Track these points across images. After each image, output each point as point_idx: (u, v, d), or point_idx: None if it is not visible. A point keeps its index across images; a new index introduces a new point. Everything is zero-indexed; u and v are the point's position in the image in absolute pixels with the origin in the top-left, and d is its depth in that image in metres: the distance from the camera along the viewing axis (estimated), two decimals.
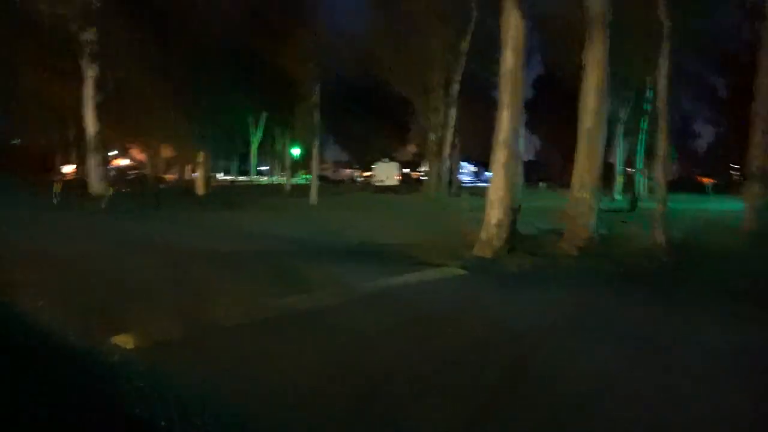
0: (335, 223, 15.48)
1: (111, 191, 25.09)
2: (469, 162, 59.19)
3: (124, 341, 4.40)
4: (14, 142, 55.78)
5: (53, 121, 37.50)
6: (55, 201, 22.80)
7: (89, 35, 17.31)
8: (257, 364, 4.02)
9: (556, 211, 13.78)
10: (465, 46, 18.94)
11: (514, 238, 9.78)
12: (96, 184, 18.30)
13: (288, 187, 33.55)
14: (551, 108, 39.87)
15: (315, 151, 22.64)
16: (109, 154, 51.36)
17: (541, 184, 31.07)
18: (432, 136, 19.26)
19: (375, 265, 8.57)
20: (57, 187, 24.04)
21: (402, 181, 46.11)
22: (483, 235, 9.56)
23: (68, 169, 46.09)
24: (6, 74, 22.41)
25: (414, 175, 53.39)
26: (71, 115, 23.63)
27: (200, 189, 22.86)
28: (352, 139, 56.77)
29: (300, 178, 53.42)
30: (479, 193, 29.26)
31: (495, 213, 9.48)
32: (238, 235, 12.52)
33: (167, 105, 23.27)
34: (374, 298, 6.15)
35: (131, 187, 33.50)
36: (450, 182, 29.66)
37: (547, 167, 59.39)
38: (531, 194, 10.24)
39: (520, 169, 10.09)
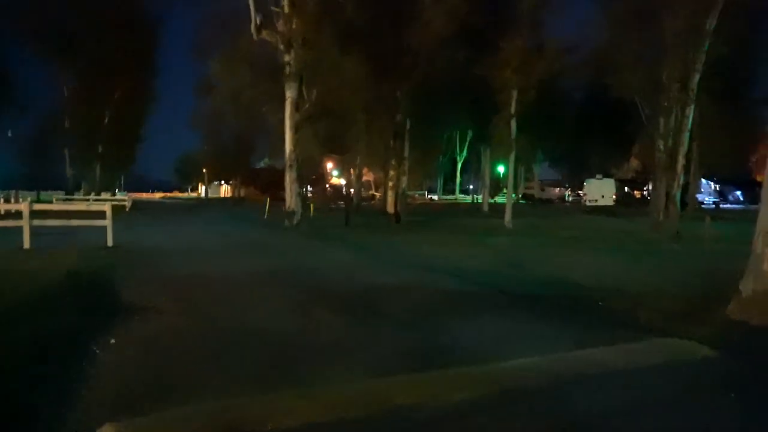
0: (527, 251, 12.79)
1: (311, 208, 26.37)
2: (711, 179, 48.72)
3: None
4: (260, 165, 65.50)
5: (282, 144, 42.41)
6: (265, 216, 24.85)
7: (288, 57, 17.95)
8: None
9: None
10: (711, 23, 14.34)
11: None
12: (290, 201, 18.81)
13: (486, 207, 31.35)
14: None
15: (510, 167, 20.07)
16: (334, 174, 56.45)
17: None
18: (661, 145, 14.98)
19: (563, 322, 5.90)
20: (268, 204, 26.26)
21: (620, 202, 39.93)
22: (747, 286, 6.05)
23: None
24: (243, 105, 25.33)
25: (636, 194, 46.05)
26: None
27: (390, 208, 22.28)
28: (563, 155, 51.72)
29: (504, 197, 50.70)
30: (728, 219, 22.99)
31: None
32: (405, 262, 10.87)
33: (365, 124, 23.44)
34: (531, 396, 3.65)
35: (336, 205, 35.37)
36: (685, 204, 23.86)
37: None
38: None
39: None
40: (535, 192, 53.03)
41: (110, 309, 6.00)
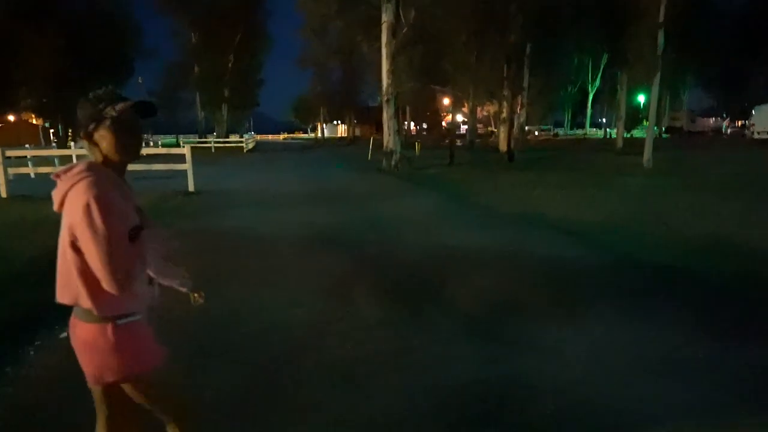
0: (671, 200, 9.86)
1: (417, 147, 24.49)
2: None
3: None
4: (373, 104, 64.49)
5: None
6: (369, 158, 23.57)
7: None
8: None
9: None
10: None
11: None
12: (388, 140, 17.10)
13: (620, 143, 26.93)
14: None
15: (654, 92, 16.16)
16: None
17: None
18: None
19: (742, 332, 3.62)
20: (372, 144, 24.88)
21: None
22: None
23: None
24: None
25: None
26: None
27: (502, 144, 19.57)
28: (721, 77, 43.09)
29: (642, 131, 44.15)
30: None
31: None
32: (505, 213, 8.75)
33: (474, 49, 20.60)
34: None
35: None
36: None
37: None
38: None
39: None
40: (683, 123, 45.41)
41: None
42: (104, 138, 1.44)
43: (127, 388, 1.55)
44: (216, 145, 36.97)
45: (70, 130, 42.97)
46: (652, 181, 12.82)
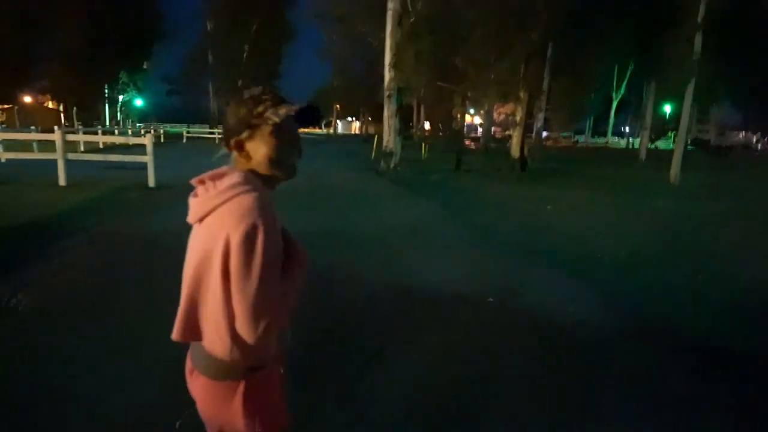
0: (713, 228, 8.26)
1: (424, 149, 22.98)
2: None
3: None
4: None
5: None
6: (372, 156, 22.12)
7: None
8: None
9: None
10: None
11: None
12: (388, 139, 15.63)
13: (643, 155, 25.08)
14: None
15: (687, 102, 14.41)
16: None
17: None
18: None
19: None
20: (376, 142, 23.44)
21: None
22: None
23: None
24: None
25: None
26: None
27: (515, 150, 17.94)
28: (756, 89, 40.58)
29: (667, 143, 42.03)
30: None
31: None
32: (503, 234, 7.24)
33: (488, 45, 19.00)
34: None
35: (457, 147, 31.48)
36: None
37: None
38: None
39: None
40: (711, 137, 43.21)
41: None
42: (259, 149, 1.16)
43: None
44: (219, 136, 35.88)
45: (74, 112, 42.12)
46: (683, 203, 11.15)
